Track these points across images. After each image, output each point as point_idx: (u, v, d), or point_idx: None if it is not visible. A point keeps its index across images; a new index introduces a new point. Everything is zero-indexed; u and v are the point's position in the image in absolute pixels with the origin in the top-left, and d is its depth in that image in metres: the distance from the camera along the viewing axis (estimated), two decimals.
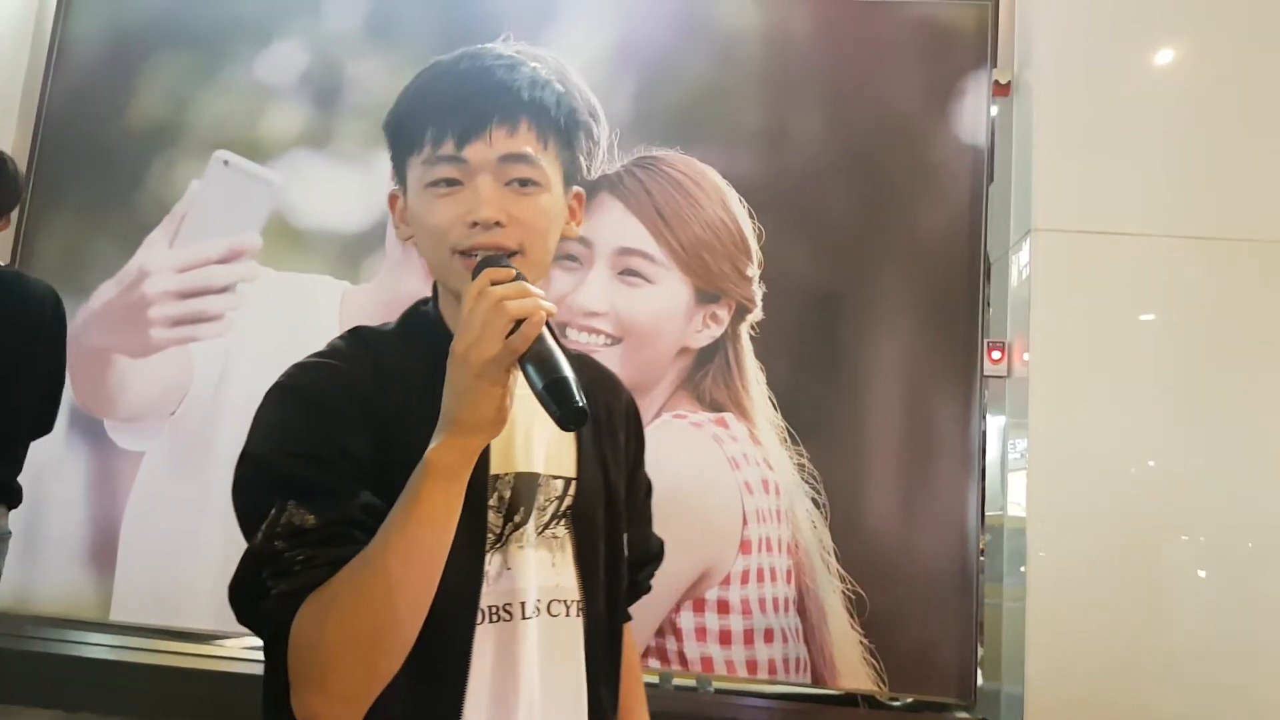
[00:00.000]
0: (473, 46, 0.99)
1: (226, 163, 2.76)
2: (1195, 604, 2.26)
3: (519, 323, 0.83)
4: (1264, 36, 2.44)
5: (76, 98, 2.99)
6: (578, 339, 2.52)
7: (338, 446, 0.89)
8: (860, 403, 2.57)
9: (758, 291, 2.58)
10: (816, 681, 2.48)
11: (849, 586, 2.48)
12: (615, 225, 2.58)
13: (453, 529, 0.87)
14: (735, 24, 2.77)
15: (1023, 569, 2.33)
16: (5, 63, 2.97)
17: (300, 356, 0.97)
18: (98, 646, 2.70)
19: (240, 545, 0.87)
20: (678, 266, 2.56)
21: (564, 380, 0.82)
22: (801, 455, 2.53)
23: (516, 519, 0.98)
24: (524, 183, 0.95)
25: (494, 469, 0.95)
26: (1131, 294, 2.40)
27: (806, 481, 2.52)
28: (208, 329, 2.72)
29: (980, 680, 2.47)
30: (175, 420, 2.71)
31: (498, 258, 0.91)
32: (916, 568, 2.50)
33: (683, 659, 2.46)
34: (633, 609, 1.15)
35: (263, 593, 0.85)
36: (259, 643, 0.91)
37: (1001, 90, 2.65)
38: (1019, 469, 2.42)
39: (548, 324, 0.85)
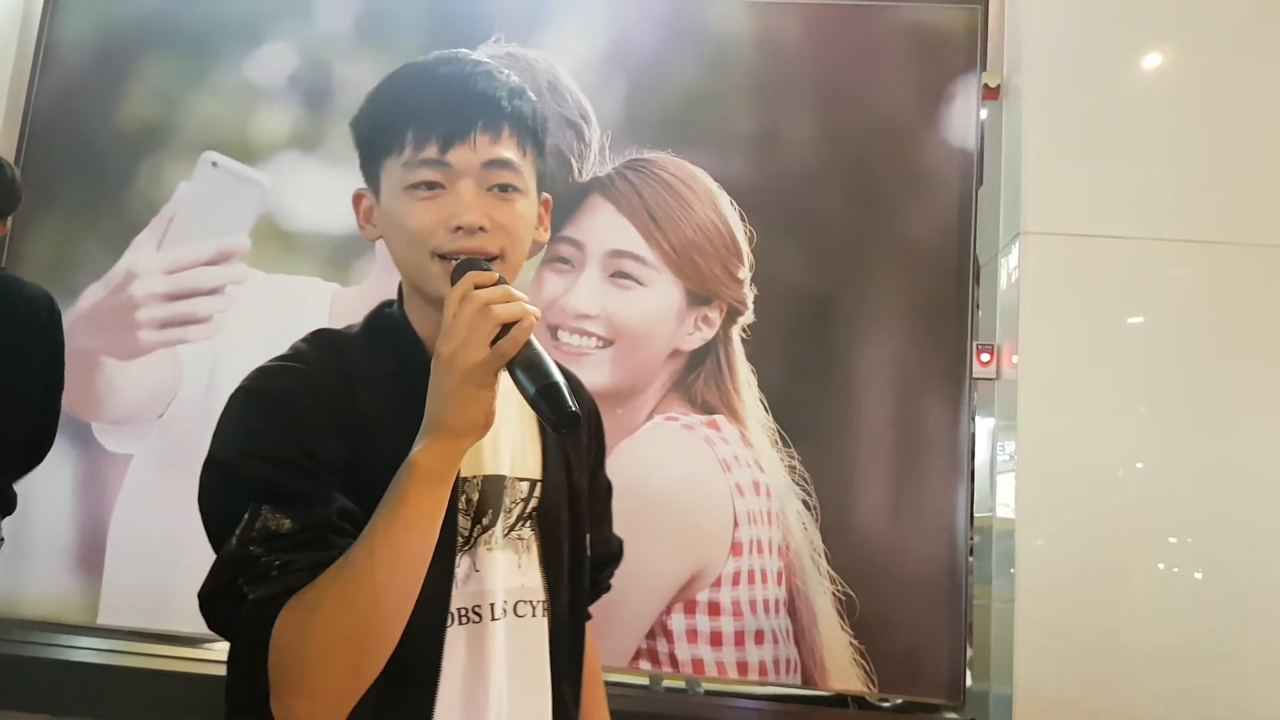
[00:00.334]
0: (446, 51, 1.00)
1: (215, 164, 2.75)
2: (1183, 606, 2.27)
3: (505, 327, 0.84)
4: (1253, 41, 2.46)
5: (64, 99, 2.96)
6: (569, 341, 2.52)
7: (308, 450, 0.89)
8: (851, 405, 2.58)
9: (749, 294, 2.58)
10: (807, 683, 2.48)
11: (839, 588, 2.49)
12: (606, 227, 2.57)
13: (436, 531, 0.88)
14: (726, 26, 2.77)
15: (1012, 570, 2.34)
16: None
17: None
18: (86, 650, 2.68)
19: None
20: (669, 269, 2.56)
21: (556, 385, 0.83)
22: (793, 457, 2.53)
23: (485, 521, 0.99)
24: (505, 188, 0.96)
25: (463, 472, 0.95)
26: (1120, 297, 2.41)
27: (797, 483, 2.52)
28: (196, 331, 2.71)
29: (969, 681, 2.48)
30: (163, 423, 2.69)
31: (477, 261, 0.92)
32: (906, 569, 2.51)
33: (674, 661, 2.46)
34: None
35: (238, 598, 0.84)
36: None
37: (991, 94, 2.66)
38: (1008, 471, 2.43)
39: None
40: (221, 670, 0.95)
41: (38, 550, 2.54)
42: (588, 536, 1.10)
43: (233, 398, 0.94)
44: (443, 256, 0.94)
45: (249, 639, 0.85)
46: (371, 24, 2.88)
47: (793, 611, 2.48)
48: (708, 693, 2.58)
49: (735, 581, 2.46)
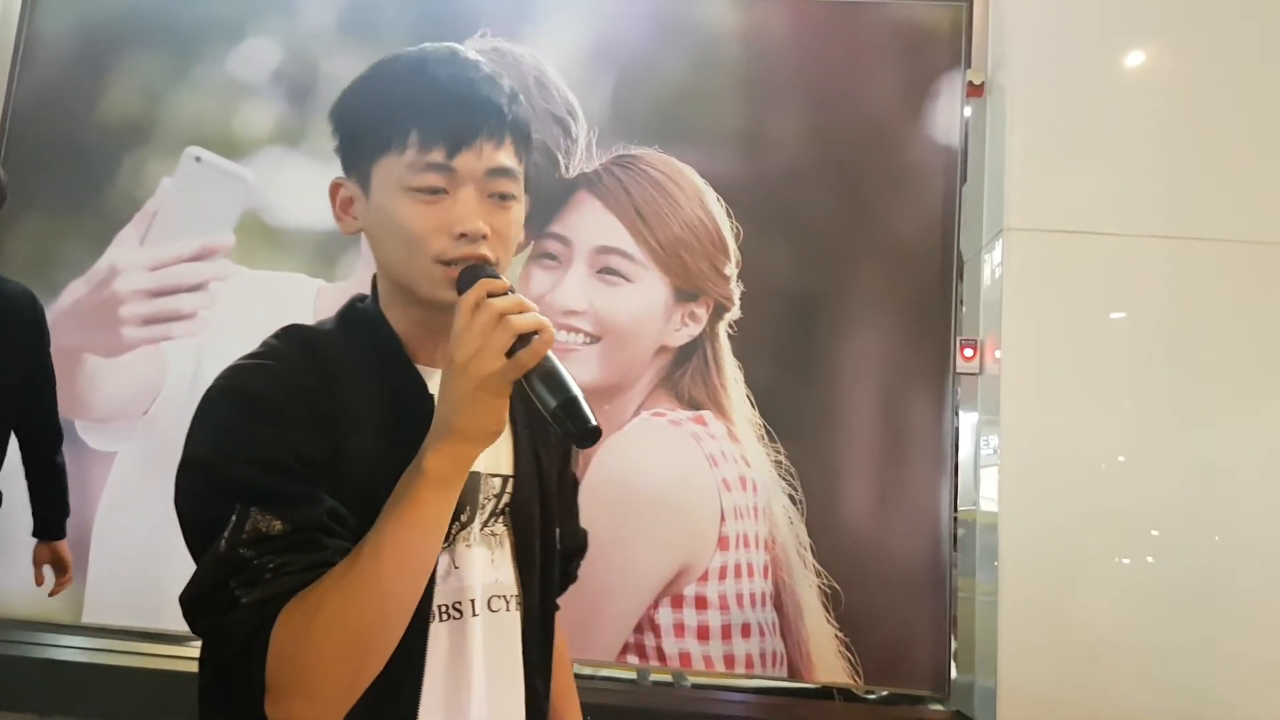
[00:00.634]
0: (439, 46, 0.99)
1: (198, 159, 2.73)
2: (1164, 598, 2.30)
3: (521, 337, 0.84)
4: (1235, 39, 2.48)
5: (45, 94, 2.93)
6: (557, 338, 2.52)
7: (292, 450, 0.88)
8: (836, 400, 2.60)
9: (736, 290, 2.59)
10: (793, 675, 2.50)
11: (825, 581, 2.51)
12: (594, 224, 2.58)
13: (443, 536, 0.89)
14: (712, 23, 2.78)
15: (995, 564, 2.36)
16: None
17: None
18: (70, 649, 2.67)
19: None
20: (656, 265, 2.56)
21: (576, 400, 0.84)
22: (779, 452, 2.55)
23: (463, 518, 0.99)
24: (503, 196, 0.96)
25: None
26: (1103, 293, 2.44)
27: (783, 478, 2.54)
28: (180, 328, 2.70)
29: (954, 673, 2.51)
30: (148, 420, 2.68)
31: (484, 268, 0.92)
32: (891, 563, 2.53)
33: (661, 655, 2.47)
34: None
35: (229, 602, 0.83)
36: None
37: (975, 91, 2.68)
38: (991, 465, 2.46)
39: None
40: None
41: (21, 549, 2.51)
42: (558, 530, 1.11)
43: (208, 397, 0.91)
44: (444, 262, 0.94)
45: (242, 643, 0.84)
46: (355, 18, 2.86)
47: (779, 605, 2.50)
48: (695, 686, 2.60)
49: (722, 576, 2.47)
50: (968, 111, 2.69)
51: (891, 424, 2.59)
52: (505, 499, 1.04)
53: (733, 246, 2.60)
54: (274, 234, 2.76)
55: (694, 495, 2.49)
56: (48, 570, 2.40)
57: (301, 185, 2.76)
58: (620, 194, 2.59)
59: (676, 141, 2.66)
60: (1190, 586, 2.30)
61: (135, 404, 2.69)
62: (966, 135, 2.68)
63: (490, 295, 0.86)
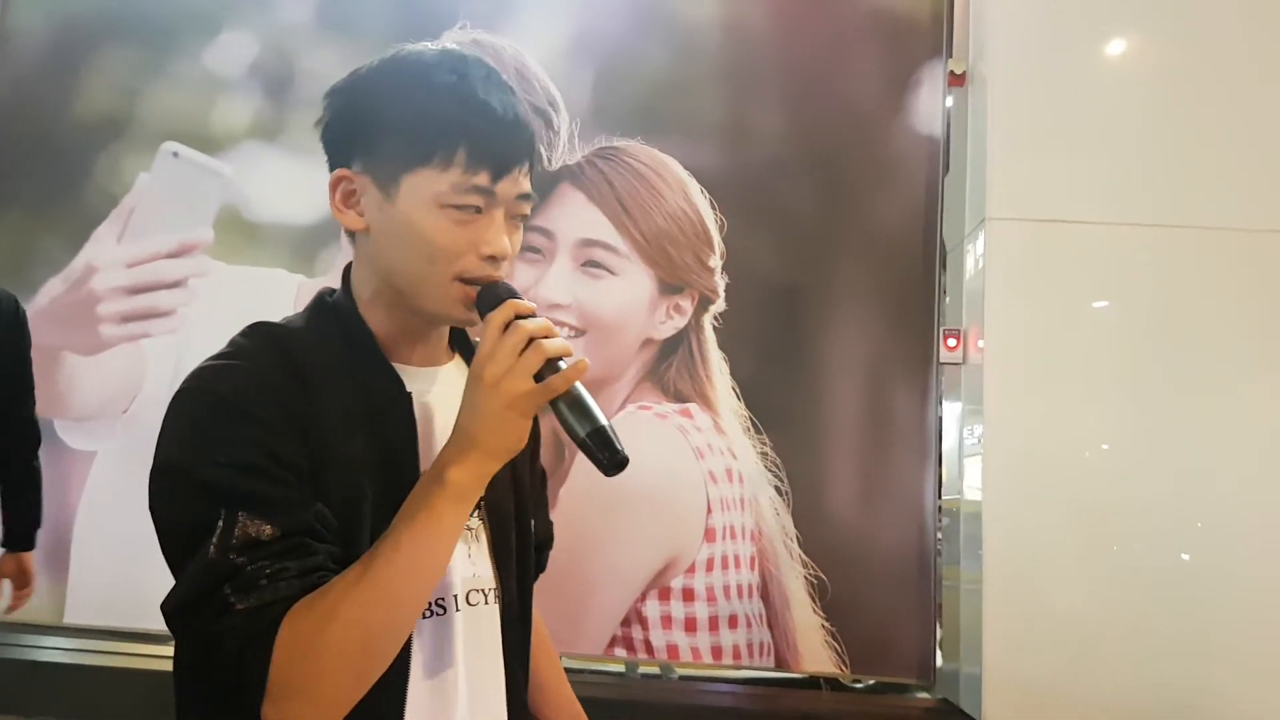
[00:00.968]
0: (466, 54, 0.99)
1: (176, 154, 2.70)
2: (1148, 586, 2.32)
3: (548, 362, 0.87)
4: (1216, 27, 2.49)
5: (20, 89, 2.88)
6: None
7: (273, 453, 0.87)
8: (820, 391, 2.60)
9: (720, 282, 2.59)
10: (780, 665, 2.51)
11: (811, 572, 2.52)
12: (577, 216, 2.57)
13: (455, 545, 0.91)
14: (693, 13, 2.76)
15: (980, 552, 2.38)
16: None
17: None
18: (53, 650, 2.65)
19: None
20: (640, 258, 2.56)
21: (605, 429, 0.88)
22: (764, 444, 2.55)
23: None
24: (521, 218, 0.99)
25: (422, 468, 0.97)
26: (1085, 282, 2.45)
27: (769, 469, 2.54)
28: (159, 325, 2.67)
29: (939, 661, 2.53)
30: (128, 419, 2.65)
31: (505, 286, 0.95)
32: (877, 552, 2.54)
33: (649, 647, 2.47)
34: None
35: (223, 608, 0.83)
36: None
37: (957, 80, 2.68)
38: (975, 454, 2.47)
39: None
40: None
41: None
42: (532, 522, 1.12)
43: (178, 400, 0.90)
44: (464, 280, 0.95)
45: (237, 649, 0.83)
46: (333, 10, 2.83)
47: (765, 596, 2.51)
48: (683, 678, 2.61)
49: (709, 567, 2.48)
50: (949, 101, 2.70)
51: (876, 414, 2.59)
52: (481, 493, 1.04)
53: (717, 238, 2.59)
54: (253, 229, 2.74)
55: (680, 488, 2.49)
56: (7, 585, 2.36)
57: (280, 180, 2.73)
58: (603, 186, 2.58)
59: (659, 133, 2.65)
60: (1174, 574, 2.32)
61: (115, 403, 2.66)
62: (948, 125, 2.68)
63: (518, 317, 0.89)
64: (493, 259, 0.95)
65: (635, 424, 2.52)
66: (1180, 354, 2.39)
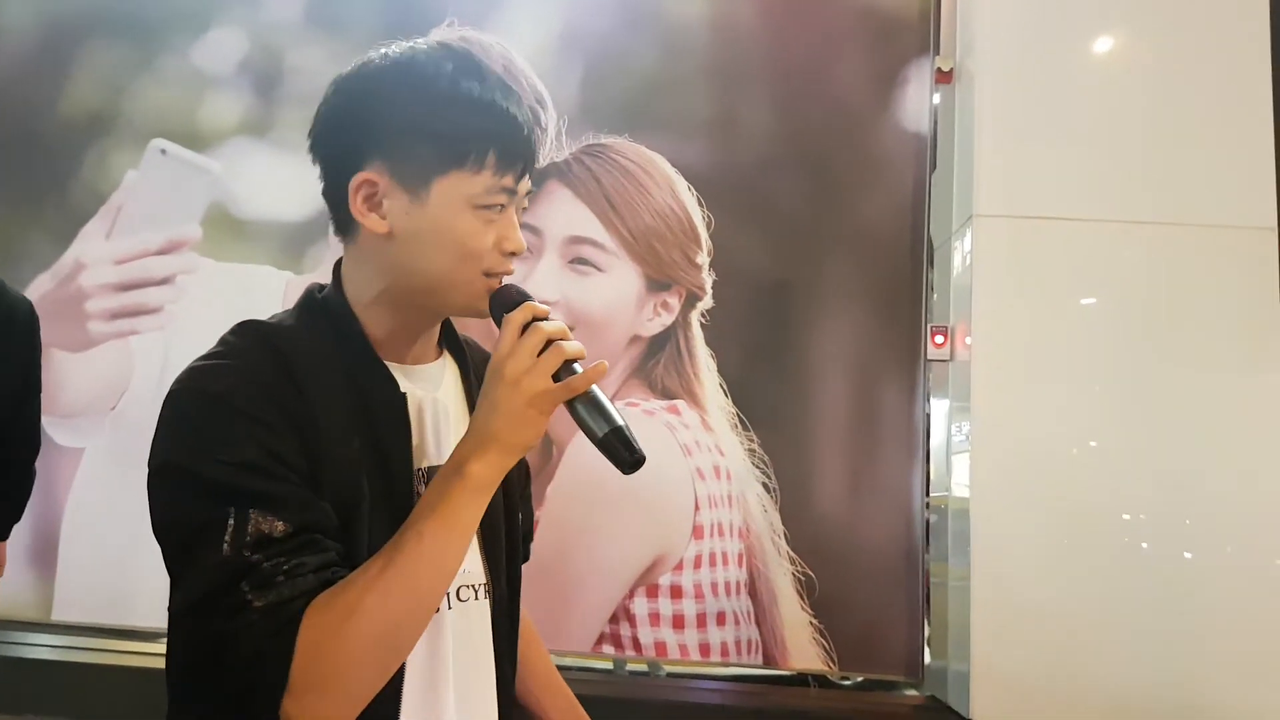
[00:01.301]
0: (475, 57, 1.01)
1: (164, 151, 2.70)
2: (1136, 582, 2.32)
3: (566, 363, 0.91)
4: (1203, 24, 2.49)
5: (7, 86, 2.88)
6: None
7: (268, 450, 0.88)
8: (808, 388, 2.60)
9: (708, 279, 2.59)
10: (768, 663, 2.51)
11: (799, 569, 2.52)
12: (564, 214, 2.57)
13: (472, 537, 0.94)
14: (681, 11, 2.76)
15: (968, 549, 2.38)
16: None
17: None
18: (40, 647, 2.64)
19: None
20: (628, 255, 2.56)
21: (623, 429, 0.91)
22: (752, 441, 2.55)
23: None
24: (521, 213, 1.03)
25: (414, 463, 0.99)
26: (1072, 278, 2.45)
27: (757, 466, 2.54)
28: (147, 322, 2.67)
29: (928, 658, 2.53)
30: (116, 415, 2.65)
31: (517, 288, 0.98)
32: (864, 549, 2.54)
33: (636, 644, 2.47)
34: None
35: (240, 606, 0.83)
36: None
37: (944, 77, 2.68)
38: (963, 451, 2.47)
39: None
40: None
41: None
42: (519, 516, 1.13)
43: (173, 401, 0.91)
44: (488, 275, 0.99)
45: (255, 645, 0.83)
46: (321, 7, 2.83)
47: (753, 593, 2.51)
48: (671, 675, 2.61)
49: (697, 565, 2.48)
50: (936, 98, 2.70)
51: (863, 411, 2.59)
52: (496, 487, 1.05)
53: (704, 235, 2.59)
54: (241, 226, 2.74)
55: (668, 485, 2.49)
56: None
57: (268, 177, 2.73)
58: (591, 183, 2.58)
59: (646, 130, 2.65)
60: (1161, 571, 2.32)
61: (103, 400, 2.66)
62: (936, 122, 2.69)
63: (536, 319, 0.93)
64: (514, 254, 0.99)
65: None
66: (1168, 350, 2.39)
